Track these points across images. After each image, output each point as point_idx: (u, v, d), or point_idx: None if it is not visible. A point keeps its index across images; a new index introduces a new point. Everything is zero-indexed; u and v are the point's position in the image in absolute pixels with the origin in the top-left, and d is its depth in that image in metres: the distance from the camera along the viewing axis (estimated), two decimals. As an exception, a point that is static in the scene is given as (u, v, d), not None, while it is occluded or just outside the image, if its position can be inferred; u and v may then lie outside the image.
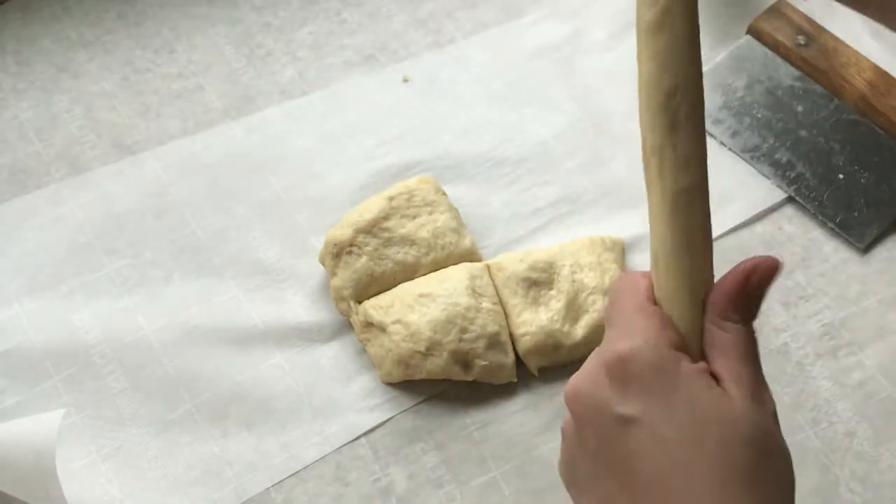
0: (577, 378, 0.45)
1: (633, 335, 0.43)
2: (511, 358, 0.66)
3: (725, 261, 0.72)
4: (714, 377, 0.43)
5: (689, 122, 0.41)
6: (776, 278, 0.45)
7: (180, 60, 0.79)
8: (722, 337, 0.44)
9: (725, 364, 0.43)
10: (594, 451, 0.44)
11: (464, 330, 0.65)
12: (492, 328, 0.65)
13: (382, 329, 0.66)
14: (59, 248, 0.70)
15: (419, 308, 0.65)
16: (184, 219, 0.72)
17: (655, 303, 0.45)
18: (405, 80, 0.78)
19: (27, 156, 0.74)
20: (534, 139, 0.76)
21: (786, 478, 0.43)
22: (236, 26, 0.80)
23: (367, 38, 0.80)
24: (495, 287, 0.67)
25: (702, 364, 0.44)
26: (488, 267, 0.68)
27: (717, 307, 0.44)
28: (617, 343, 0.44)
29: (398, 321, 0.65)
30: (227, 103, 0.77)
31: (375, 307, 0.67)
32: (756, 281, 0.44)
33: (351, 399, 0.66)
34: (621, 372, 0.43)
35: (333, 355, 0.68)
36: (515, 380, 0.66)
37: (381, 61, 0.79)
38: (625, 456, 0.42)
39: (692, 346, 0.44)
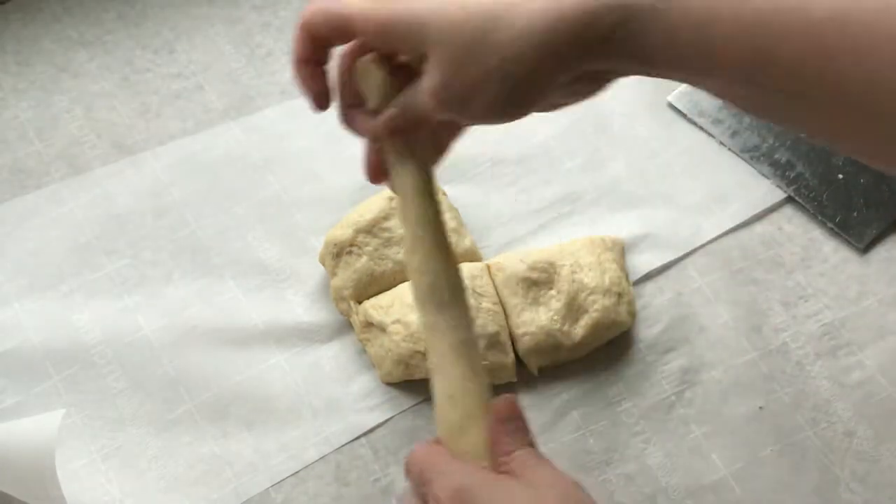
0: None
1: (456, 476, 0.47)
2: (511, 358, 0.66)
3: (726, 260, 0.72)
4: None
5: (452, 300, 0.50)
6: (519, 409, 0.50)
7: (180, 60, 0.79)
8: (512, 465, 0.49)
9: (530, 477, 0.48)
10: None
11: (464, 330, 0.65)
12: (492, 328, 0.65)
13: (382, 329, 0.66)
14: (59, 248, 0.70)
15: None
16: (184, 219, 0.72)
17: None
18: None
19: (27, 156, 0.74)
20: (534, 139, 0.76)
21: None
22: (236, 26, 0.80)
23: (367, 38, 0.80)
24: (495, 287, 0.67)
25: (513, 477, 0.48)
26: (488, 267, 0.68)
27: (498, 449, 0.49)
28: (446, 489, 0.47)
29: (398, 321, 0.65)
30: (227, 103, 0.77)
31: (375, 307, 0.67)
32: (503, 419, 0.50)
33: (351, 399, 0.66)
34: None
35: (333, 355, 0.68)
36: (515, 380, 0.66)
37: (381, 61, 0.79)
38: None
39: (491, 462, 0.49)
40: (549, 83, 0.46)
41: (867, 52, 0.41)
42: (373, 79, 0.51)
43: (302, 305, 0.69)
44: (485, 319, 0.65)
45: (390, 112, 0.51)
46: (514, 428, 0.50)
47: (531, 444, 0.50)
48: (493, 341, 0.65)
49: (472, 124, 0.50)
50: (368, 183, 0.73)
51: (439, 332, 0.50)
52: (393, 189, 0.53)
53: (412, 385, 0.66)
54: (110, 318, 0.68)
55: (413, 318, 0.65)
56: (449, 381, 0.50)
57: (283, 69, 0.78)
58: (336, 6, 0.49)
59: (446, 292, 0.50)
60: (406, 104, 0.50)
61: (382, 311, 0.66)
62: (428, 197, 0.52)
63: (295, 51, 0.51)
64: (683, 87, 0.78)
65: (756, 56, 0.42)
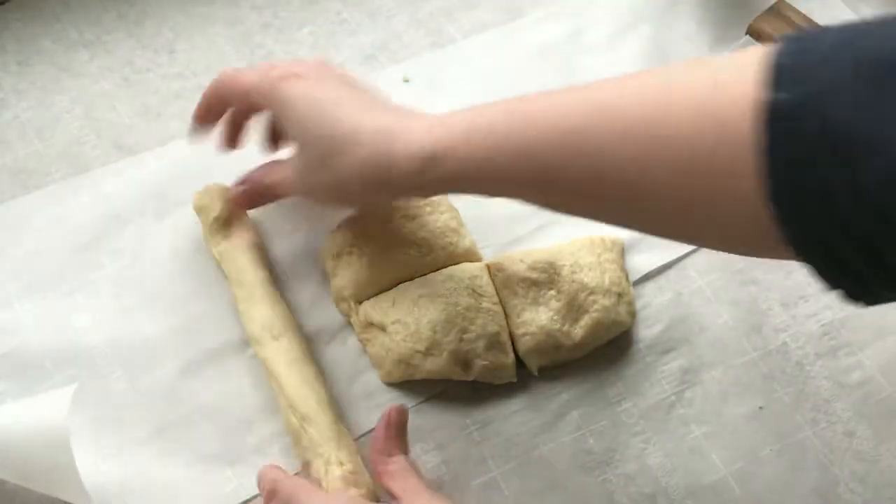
0: None
1: None
2: (511, 358, 0.66)
3: (725, 260, 0.72)
4: (394, 497, 0.60)
5: (282, 332, 0.66)
6: (406, 418, 0.62)
7: (180, 60, 0.79)
8: (391, 469, 0.61)
9: (400, 485, 0.60)
10: None
11: (464, 330, 0.65)
12: (492, 328, 0.65)
13: (382, 329, 0.66)
14: (59, 249, 0.70)
15: (419, 308, 0.65)
16: (184, 219, 0.71)
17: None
18: (405, 80, 0.78)
19: (28, 156, 0.74)
20: (534, 139, 0.76)
21: None
22: (236, 26, 0.80)
23: (367, 39, 0.80)
24: (495, 287, 0.67)
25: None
26: (488, 267, 0.68)
27: (380, 451, 0.61)
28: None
29: (398, 321, 0.65)
30: (228, 103, 0.77)
31: (375, 307, 0.67)
32: (394, 424, 0.62)
33: (351, 399, 0.66)
34: None
35: (333, 356, 0.68)
36: (515, 380, 0.67)
37: (381, 61, 0.79)
38: None
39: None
40: (371, 202, 0.66)
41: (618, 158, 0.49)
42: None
43: (302, 306, 0.69)
44: (484, 319, 0.65)
45: (241, 188, 0.68)
46: (395, 434, 0.61)
47: (405, 453, 0.62)
48: (493, 341, 0.65)
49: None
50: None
51: (275, 357, 0.64)
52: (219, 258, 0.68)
53: (413, 385, 0.67)
54: (111, 319, 0.68)
55: (413, 317, 0.65)
56: (288, 390, 0.62)
57: (284, 69, 0.78)
58: (241, 80, 0.64)
59: (276, 328, 0.65)
60: (258, 178, 0.67)
61: (382, 311, 0.66)
62: (259, 256, 0.68)
63: (201, 105, 0.67)
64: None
65: (537, 176, 0.52)
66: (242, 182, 0.68)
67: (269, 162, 0.67)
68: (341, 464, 0.60)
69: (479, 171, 0.54)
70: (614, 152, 0.49)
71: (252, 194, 0.68)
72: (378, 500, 0.61)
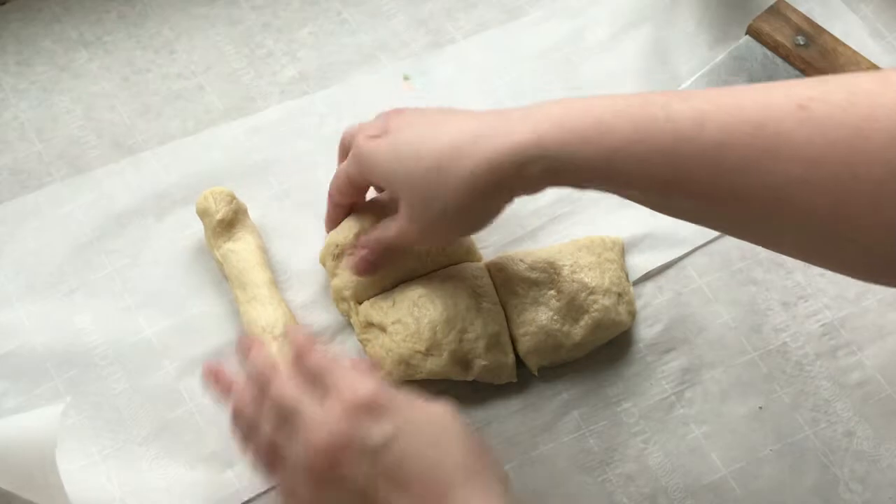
0: (325, 439, 0.51)
1: (362, 380, 0.53)
2: (511, 358, 0.66)
3: (725, 260, 0.72)
4: None
5: (283, 334, 0.66)
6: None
7: (180, 60, 0.79)
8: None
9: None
10: (363, 481, 0.51)
11: (464, 330, 0.65)
12: (492, 328, 0.65)
13: (382, 329, 0.66)
14: (59, 249, 0.70)
15: (419, 308, 0.65)
16: (184, 219, 0.72)
17: None
18: (406, 80, 0.78)
19: (28, 156, 0.74)
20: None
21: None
22: (236, 26, 0.80)
23: (367, 38, 0.80)
24: (495, 287, 0.67)
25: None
26: (488, 267, 0.68)
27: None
28: (353, 390, 0.52)
29: (398, 321, 0.65)
30: (228, 103, 0.77)
31: (375, 307, 0.67)
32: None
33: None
34: (372, 406, 0.51)
35: (333, 355, 0.68)
36: (516, 380, 0.67)
37: (381, 61, 0.79)
38: (396, 465, 0.51)
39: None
40: (490, 216, 0.59)
41: (755, 166, 0.48)
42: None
43: (302, 306, 0.69)
44: (485, 320, 0.65)
45: (363, 253, 0.65)
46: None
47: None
48: (493, 342, 0.65)
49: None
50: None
51: (274, 357, 0.61)
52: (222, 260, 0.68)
53: (412, 385, 0.66)
54: (111, 319, 0.68)
55: (413, 318, 0.65)
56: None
57: (283, 69, 0.78)
58: (338, 177, 0.66)
59: (276, 329, 0.65)
60: (376, 239, 0.64)
61: (382, 311, 0.66)
62: (261, 258, 0.68)
63: (329, 215, 0.69)
64: (683, 87, 0.78)
65: (659, 180, 0.51)
66: (363, 247, 0.65)
67: (379, 225, 0.65)
68: None
69: (593, 170, 0.52)
70: (773, 171, 0.47)
71: (377, 259, 0.65)
72: None
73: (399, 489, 0.50)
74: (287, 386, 0.54)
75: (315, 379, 0.54)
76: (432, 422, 0.53)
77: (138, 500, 0.63)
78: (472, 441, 0.52)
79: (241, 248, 0.67)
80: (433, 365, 0.65)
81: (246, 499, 0.63)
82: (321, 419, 0.52)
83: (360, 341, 0.68)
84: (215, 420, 0.65)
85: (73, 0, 0.81)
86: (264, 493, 0.63)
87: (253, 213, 0.71)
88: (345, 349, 0.68)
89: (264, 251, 0.69)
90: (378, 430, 0.51)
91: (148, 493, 0.63)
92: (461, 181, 0.55)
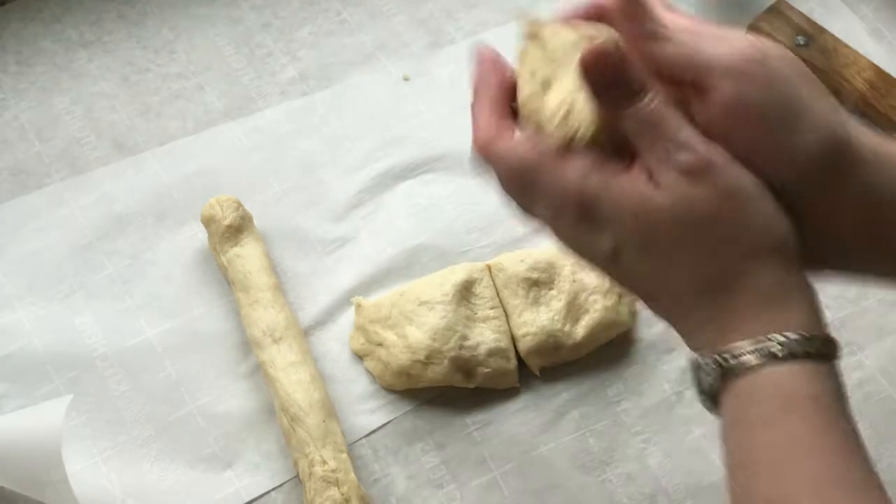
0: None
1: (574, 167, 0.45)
2: (513, 363, 0.66)
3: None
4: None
5: (284, 335, 0.65)
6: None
7: (180, 60, 0.79)
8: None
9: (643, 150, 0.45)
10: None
11: (463, 337, 0.65)
12: (491, 335, 0.65)
13: (380, 343, 0.66)
14: (59, 250, 0.70)
15: (417, 317, 0.65)
16: (185, 220, 0.72)
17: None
18: (405, 80, 0.78)
19: (28, 156, 0.74)
20: (534, 139, 0.76)
21: (731, 230, 0.43)
22: (236, 26, 0.80)
23: (367, 38, 0.80)
24: (495, 287, 0.67)
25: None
26: (489, 267, 0.68)
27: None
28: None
29: (395, 333, 0.65)
30: (227, 103, 0.77)
31: (374, 321, 0.66)
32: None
33: (352, 401, 0.66)
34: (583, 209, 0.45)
35: (334, 357, 0.68)
36: (518, 385, 0.66)
37: (381, 61, 0.79)
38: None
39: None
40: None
41: None
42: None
43: (302, 308, 0.69)
44: (484, 325, 0.65)
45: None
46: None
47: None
48: (494, 348, 0.65)
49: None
50: (368, 185, 0.74)
51: (273, 359, 0.63)
52: None
53: (413, 388, 0.66)
54: (112, 321, 0.68)
55: (411, 328, 0.65)
56: (281, 392, 0.63)
57: (283, 69, 0.78)
58: None
59: (277, 332, 0.64)
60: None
61: (379, 324, 0.66)
62: (267, 263, 0.67)
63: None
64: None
65: None
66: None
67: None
68: (324, 462, 0.60)
69: None
70: None
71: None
72: (366, 502, 0.61)
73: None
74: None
75: None
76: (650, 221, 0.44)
77: (139, 501, 0.63)
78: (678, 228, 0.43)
79: (246, 254, 0.67)
80: (434, 373, 0.65)
81: (246, 500, 0.63)
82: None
83: (359, 355, 0.68)
84: (216, 421, 0.65)
85: (73, 0, 0.81)
86: (265, 493, 0.64)
87: (259, 223, 0.70)
88: (345, 350, 0.68)
89: (269, 258, 0.69)
90: (599, 246, 0.45)
91: (149, 494, 0.63)
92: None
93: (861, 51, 0.77)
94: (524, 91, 0.48)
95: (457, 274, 0.67)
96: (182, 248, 0.71)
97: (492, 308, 0.66)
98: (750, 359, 0.42)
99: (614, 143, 0.45)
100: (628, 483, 0.65)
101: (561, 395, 0.67)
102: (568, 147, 0.45)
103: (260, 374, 0.66)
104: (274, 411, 0.65)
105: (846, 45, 0.77)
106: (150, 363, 0.67)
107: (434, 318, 0.65)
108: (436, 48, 0.80)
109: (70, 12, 0.80)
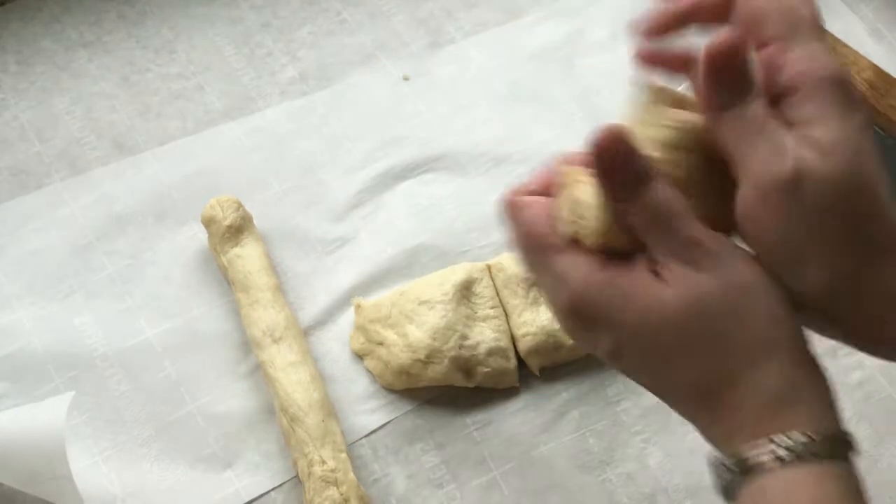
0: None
1: (568, 275, 0.44)
2: (513, 363, 0.66)
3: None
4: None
5: (284, 335, 0.66)
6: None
7: (180, 60, 0.79)
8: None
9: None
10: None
11: (463, 336, 0.65)
12: (492, 334, 0.65)
13: (380, 343, 0.66)
14: (60, 250, 0.70)
15: (417, 316, 0.65)
16: (185, 220, 0.72)
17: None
18: (405, 79, 0.78)
19: (28, 156, 0.74)
20: (534, 139, 0.76)
21: (727, 335, 0.42)
22: (236, 26, 0.80)
23: (367, 38, 0.80)
24: (495, 288, 0.67)
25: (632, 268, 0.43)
26: (489, 267, 0.68)
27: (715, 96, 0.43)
28: (555, 292, 0.44)
29: (395, 333, 0.65)
30: (227, 103, 0.77)
31: (374, 321, 0.66)
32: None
33: (352, 400, 0.66)
34: (581, 314, 0.44)
35: (334, 357, 0.68)
36: (518, 384, 0.66)
37: (381, 61, 0.79)
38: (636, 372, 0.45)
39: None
40: None
41: None
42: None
43: (302, 308, 0.69)
44: (484, 325, 0.65)
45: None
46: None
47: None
48: (494, 347, 0.65)
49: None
50: (368, 185, 0.74)
51: (273, 359, 0.63)
52: None
53: (413, 388, 0.66)
54: (112, 321, 0.68)
55: (411, 327, 0.65)
56: (281, 392, 0.63)
57: (283, 69, 0.78)
58: None
59: (277, 332, 0.64)
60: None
61: (379, 324, 0.66)
62: (267, 264, 0.67)
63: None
64: (683, 87, 0.78)
65: None
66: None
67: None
68: (323, 462, 0.60)
69: None
70: None
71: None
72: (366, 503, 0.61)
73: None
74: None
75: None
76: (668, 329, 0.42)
77: (139, 500, 0.63)
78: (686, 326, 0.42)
79: (247, 254, 0.67)
80: (435, 373, 0.65)
81: (246, 500, 0.63)
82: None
83: (360, 354, 0.68)
84: (216, 421, 0.65)
85: (72, 0, 0.81)
86: (265, 493, 0.64)
87: (259, 224, 0.71)
88: (345, 351, 0.68)
89: (269, 258, 0.69)
90: (598, 346, 0.44)
91: (149, 494, 0.63)
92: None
93: (861, 51, 0.77)
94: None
95: (457, 274, 0.67)
96: (182, 248, 0.71)
97: (492, 308, 0.66)
98: (758, 462, 0.40)
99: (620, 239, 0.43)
100: (628, 483, 0.65)
101: (561, 395, 0.67)
102: (576, 241, 0.44)
103: (260, 373, 0.66)
104: (274, 411, 0.65)
105: (846, 45, 0.77)
106: (150, 363, 0.67)
107: (434, 318, 0.65)
108: (436, 48, 0.80)
109: (70, 12, 0.80)
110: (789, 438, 0.40)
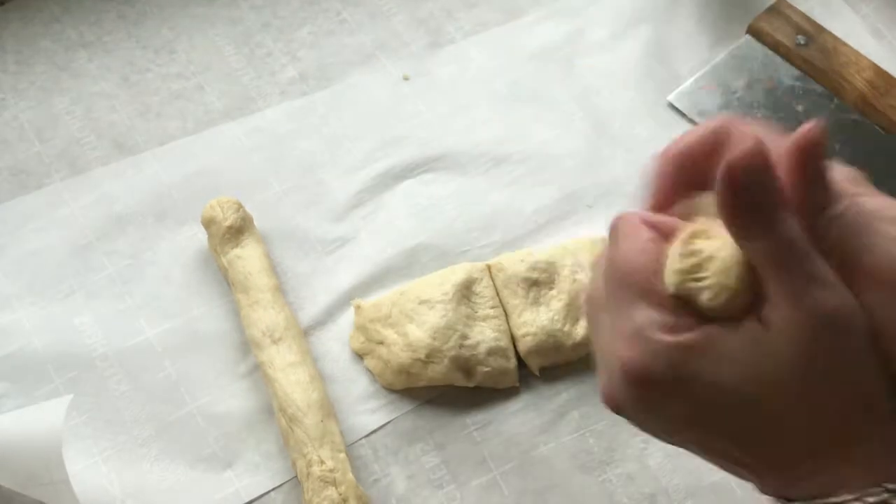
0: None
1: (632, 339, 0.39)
2: (513, 363, 0.66)
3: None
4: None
5: (283, 336, 0.65)
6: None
7: (180, 60, 0.79)
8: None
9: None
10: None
11: (464, 336, 0.65)
12: (492, 334, 0.65)
13: (381, 342, 0.66)
14: (60, 250, 0.70)
15: (417, 316, 0.65)
16: (185, 220, 0.72)
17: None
18: (405, 80, 0.78)
19: (27, 156, 0.74)
20: (534, 139, 0.76)
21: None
22: (236, 26, 0.80)
23: (367, 38, 0.80)
24: (496, 288, 0.67)
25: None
26: (488, 267, 0.68)
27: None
28: (618, 353, 0.40)
29: (396, 332, 0.65)
30: (227, 103, 0.77)
31: (374, 320, 0.66)
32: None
33: (351, 401, 0.66)
34: (644, 385, 0.40)
35: (334, 357, 0.68)
36: (518, 384, 0.66)
37: (381, 61, 0.79)
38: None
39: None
40: None
41: None
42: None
43: (302, 308, 0.69)
44: (485, 325, 0.65)
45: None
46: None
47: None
48: (495, 347, 0.65)
49: None
50: (368, 185, 0.74)
51: (272, 360, 0.63)
52: None
53: (413, 388, 0.66)
54: (112, 321, 0.68)
55: (411, 326, 0.65)
56: (279, 392, 0.63)
57: (283, 69, 0.78)
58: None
59: (276, 333, 0.64)
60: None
61: (379, 323, 0.66)
62: (268, 264, 0.67)
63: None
64: (683, 87, 0.78)
65: None
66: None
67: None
68: (321, 462, 0.60)
69: None
70: None
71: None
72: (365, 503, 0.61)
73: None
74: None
75: None
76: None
77: (139, 500, 0.63)
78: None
79: (247, 255, 0.67)
80: (434, 372, 0.65)
81: (246, 499, 0.63)
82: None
83: (360, 354, 0.68)
84: (216, 421, 0.65)
85: (72, 0, 0.81)
86: (264, 493, 0.64)
87: (252, 213, 0.71)
88: (345, 351, 0.68)
89: (269, 258, 0.69)
90: (663, 413, 0.40)
91: (149, 494, 0.63)
92: None
93: (861, 50, 0.77)
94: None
95: (457, 273, 0.67)
96: (182, 249, 0.71)
97: (492, 307, 0.66)
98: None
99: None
100: (628, 483, 0.65)
101: (561, 395, 0.67)
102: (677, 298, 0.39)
103: (259, 373, 0.66)
104: (272, 411, 0.65)
105: (846, 45, 0.77)
106: (150, 363, 0.67)
107: (434, 317, 0.65)
108: (436, 48, 0.80)
109: (69, 12, 0.80)
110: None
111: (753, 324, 0.38)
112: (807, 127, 0.38)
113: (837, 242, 0.38)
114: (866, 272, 0.38)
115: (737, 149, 0.36)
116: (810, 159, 0.38)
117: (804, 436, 0.38)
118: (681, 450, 0.66)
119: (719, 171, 0.36)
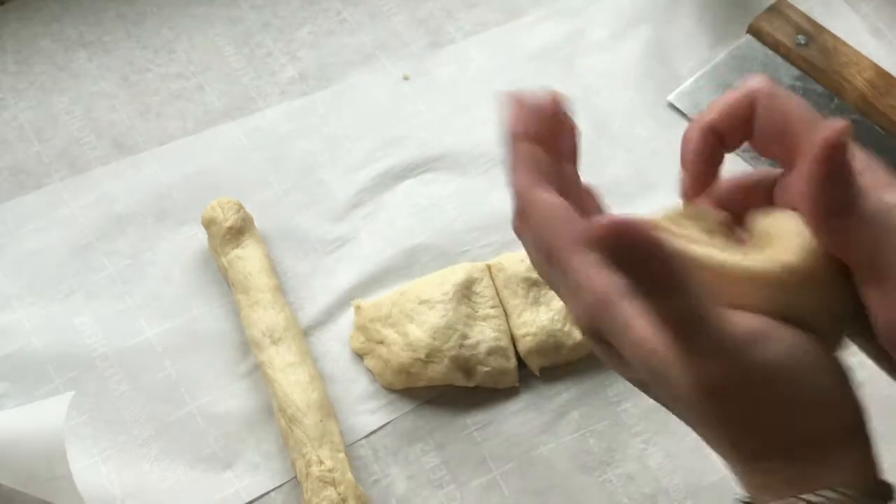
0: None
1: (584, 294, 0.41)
2: (513, 363, 0.66)
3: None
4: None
5: (283, 337, 0.65)
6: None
7: (180, 60, 0.79)
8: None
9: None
10: None
11: (464, 336, 0.65)
12: (492, 333, 0.65)
13: (380, 341, 0.66)
14: (59, 250, 0.70)
15: (418, 316, 0.65)
16: (185, 220, 0.72)
17: None
18: (405, 80, 0.78)
19: (27, 156, 0.74)
20: (534, 139, 0.76)
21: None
22: (236, 26, 0.80)
23: (367, 38, 0.80)
24: (496, 287, 0.67)
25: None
26: (489, 267, 0.68)
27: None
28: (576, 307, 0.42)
29: (396, 331, 0.65)
30: (227, 103, 0.77)
31: (374, 320, 0.66)
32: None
33: (351, 401, 0.66)
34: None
35: (334, 357, 0.68)
36: (518, 384, 0.66)
37: (381, 61, 0.79)
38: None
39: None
40: None
41: None
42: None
43: (302, 308, 0.69)
44: (485, 324, 0.65)
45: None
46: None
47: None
48: (495, 347, 0.65)
49: None
50: (368, 185, 0.74)
51: (272, 360, 0.63)
52: None
53: (413, 388, 0.66)
54: (111, 321, 0.68)
55: (412, 326, 0.65)
56: (279, 392, 0.63)
57: (283, 69, 0.78)
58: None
59: (276, 333, 0.64)
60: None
61: (380, 323, 0.66)
62: (268, 265, 0.67)
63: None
64: (683, 87, 0.78)
65: None
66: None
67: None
68: (321, 462, 0.60)
69: None
70: None
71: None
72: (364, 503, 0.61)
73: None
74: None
75: None
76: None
77: (139, 500, 0.63)
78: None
79: (247, 255, 0.67)
80: (434, 372, 0.65)
81: (246, 499, 0.63)
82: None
83: (360, 354, 0.68)
84: (216, 421, 0.65)
85: (72, 0, 0.81)
86: (264, 493, 0.64)
87: (252, 213, 0.71)
88: (345, 351, 0.68)
89: (269, 259, 0.69)
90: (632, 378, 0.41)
91: (149, 494, 0.63)
92: None
93: (861, 50, 0.77)
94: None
95: (457, 273, 0.67)
96: (182, 249, 0.71)
97: (492, 307, 0.66)
98: None
99: None
100: (628, 483, 0.65)
101: (561, 395, 0.67)
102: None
103: (259, 373, 0.66)
104: (272, 411, 0.65)
105: (846, 44, 0.77)
106: (150, 363, 0.67)
107: (434, 317, 0.65)
108: (436, 48, 0.80)
109: (69, 12, 0.80)
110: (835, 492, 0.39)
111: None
112: (833, 125, 0.38)
113: (864, 241, 0.39)
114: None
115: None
116: (836, 157, 0.38)
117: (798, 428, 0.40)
118: (681, 450, 0.67)
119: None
